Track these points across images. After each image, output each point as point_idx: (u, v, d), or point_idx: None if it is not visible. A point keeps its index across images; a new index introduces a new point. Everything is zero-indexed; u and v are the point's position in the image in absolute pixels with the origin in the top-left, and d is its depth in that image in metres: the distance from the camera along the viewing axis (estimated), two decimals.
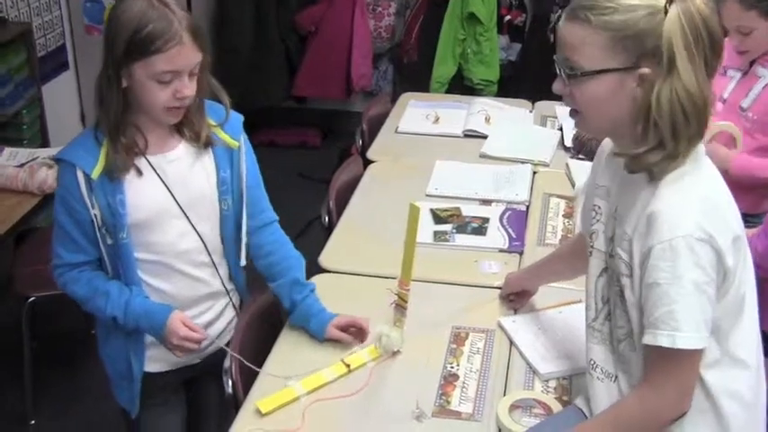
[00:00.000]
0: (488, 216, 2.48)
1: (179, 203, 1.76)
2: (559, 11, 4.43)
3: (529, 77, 4.54)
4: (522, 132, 3.11)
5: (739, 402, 1.44)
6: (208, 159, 1.81)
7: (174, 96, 1.64)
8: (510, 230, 2.40)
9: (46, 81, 3.73)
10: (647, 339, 1.36)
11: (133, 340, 1.83)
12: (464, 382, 1.80)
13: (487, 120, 3.19)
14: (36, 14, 3.75)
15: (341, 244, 2.37)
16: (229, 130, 1.83)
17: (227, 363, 1.84)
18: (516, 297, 2.05)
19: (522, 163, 2.82)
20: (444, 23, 4.52)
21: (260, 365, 1.83)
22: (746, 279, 1.42)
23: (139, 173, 1.72)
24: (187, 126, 1.77)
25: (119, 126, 1.68)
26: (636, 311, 1.41)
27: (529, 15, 4.84)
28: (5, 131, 3.39)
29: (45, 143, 3.56)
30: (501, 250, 2.32)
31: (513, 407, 1.71)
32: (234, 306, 1.95)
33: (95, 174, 1.67)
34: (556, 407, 1.71)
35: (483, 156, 2.92)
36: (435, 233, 2.39)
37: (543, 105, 3.38)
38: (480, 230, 2.40)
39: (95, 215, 1.70)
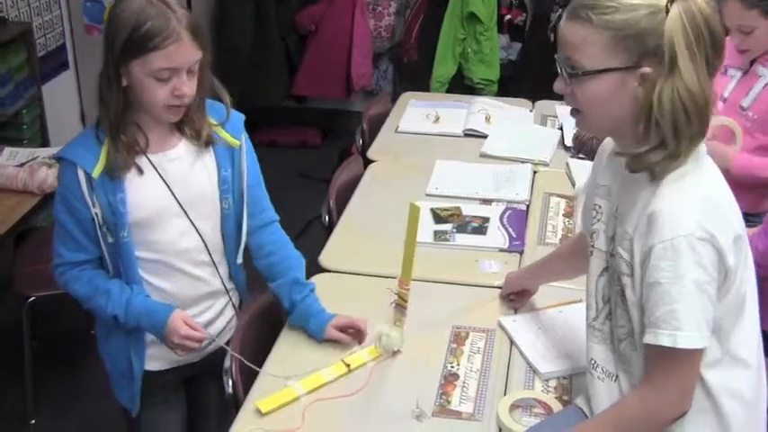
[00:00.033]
0: (489, 215, 2.48)
1: (179, 202, 1.76)
2: (560, 10, 4.43)
3: (529, 77, 4.54)
4: (523, 132, 3.11)
5: (740, 402, 1.43)
6: (209, 158, 1.81)
7: (173, 94, 1.64)
8: (510, 230, 2.40)
9: (46, 81, 3.73)
10: (648, 339, 1.35)
11: (134, 339, 1.83)
12: (464, 382, 1.80)
13: (488, 119, 3.19)
14: (36, 14, 3.75)
15: (341, 243, 2.37)
16: (230, 129, 1.83)
17: (227, 362, 1.84)
18: (516, 296, 2.05)
19: (523, 162, 2.82)
20: (444, 23, 4.52)
21: (260, 365, 1.83)
22: (747, 278, 1.42)
23: (140, 171, 1.72)
24: (188, 124, 1.77)
25: (119, 125, 1.68)
26: (637, 311, 1.41)
27: (529, 15, 4.84)
28: (5, 131, 3.39)
29: (45, 143, 3.56)
30: (501, 250, 2.31)
31: (514, 406, 1.71)
32: (233, 305, 1.95)
33: (96, 172, 1.68)
34: (556, 406, 1.71)
35: (483, 155, 2.92)
36: (435, 233, 2.39)
37: (543, 105, 3.38)
38: (480, 230, 2.40)
39: (96, 214, 1.70)
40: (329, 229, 2.50)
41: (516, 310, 2.04)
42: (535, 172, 2.79)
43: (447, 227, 2.41)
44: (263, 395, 1.74)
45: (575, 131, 2.91)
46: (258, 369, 1.81)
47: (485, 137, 3.05)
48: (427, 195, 2.62)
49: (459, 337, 1.94)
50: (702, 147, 1.39)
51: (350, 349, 1.88)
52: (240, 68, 4.66)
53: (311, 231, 3.65)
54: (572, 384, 1.79)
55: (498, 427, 1.67)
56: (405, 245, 1.80)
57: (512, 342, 1.93)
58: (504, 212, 2.50)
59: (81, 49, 4.04)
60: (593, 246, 1.54)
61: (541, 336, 1.92)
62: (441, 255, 2.30)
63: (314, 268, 2.18)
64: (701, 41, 1.31)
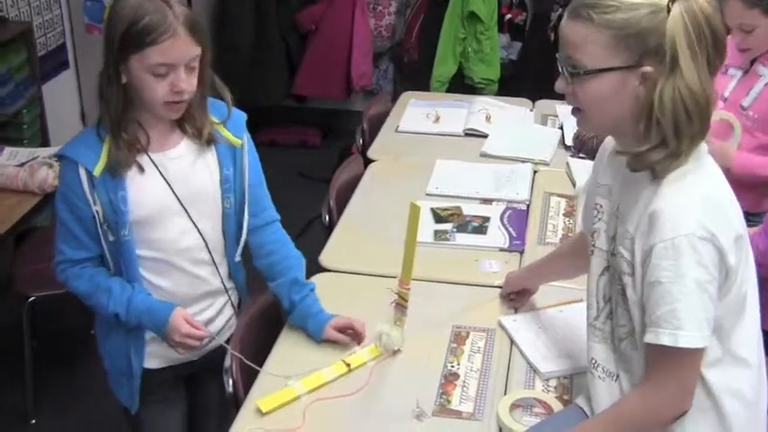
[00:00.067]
0: (489, 215, 2.48)
1: (180, 201, 1.76)
2: (560, 9, 4.43)
3: (529, 76, 4.54)
4: (523, 131, 3.11)
5: (741, 401, 1.43)
6: (211, 157, 1.81)
7: (171, 90, 1.65)
8: (510, 229, 2.40)
9: (46, 80, 3.73)
10: (649, 338, 1.35)
11: (133, 336, 1.83)
12: (465, 382, 1.80)
13: (488, 119, 3.19)
14: (36, 13, 3.75)
15: (341, 243, 2.37)
16: (232, 127, 1.83)
17: (227, 362, 1.84)
18: (517, 296, 2.05)
19: (523, 162, 2.82)
20: (445, 22, 4.52)
21: (260, 365, 1.82)
22: (748, 278, 1.42)
23: (141, 170, 1.72)
24: (189, 123, 1.77)
25: (120, 122, 1.68)
26: (638, 310, 1.41)
27: (529, 14, 4.84)
28: (6, 131, 3.39)
29: (45, 142, 3.56)
30: (501, 249, 2.31)
31: (514, 406, 1.70)
32: (232, 305, 1.95)
33: (97, 171, 1.68)
34: (557, 406, 1.71)
35: (483, 155, 2.91)
36: (436, 232, 2.39)
37: (544, 104, 3.37)
38: (481, 229, 2.40)
39: (97, 212, 1.70)
40: (329, 228, 2.50)
41: (516, 310, 2.04)
42: (535, 171, 2.78)
43: (447, 226, 2.41)
44: (263, 394, 1.74)
45: (575, 131, 2.91)
46: (258, 368, 1.81)
47: (485, 136, 3.05)
48: (427, 195, 2.62)
49: (459, 337, 1.94)
50: (704, 146, 1.39)
51: (350, 349, 1.88)
52: (240, 68, 4.66)
53: (311, 231, 3.65)
54: (572, 384, 1.79)
55: (499, 427, 1.67)
56: (405, 244, 1.80)
57: (512, 342, 1.92)
58: (504, 212, 2.50)
59: (81, 49, 4.04)
60: (593, 245, 1.54)
61: (542, 335, 1.92)
62: (441, 254, 2.29)
63: (314, 268, 2.18)
64: (703, 40, 1.31)
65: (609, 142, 1.56)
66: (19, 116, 3.43)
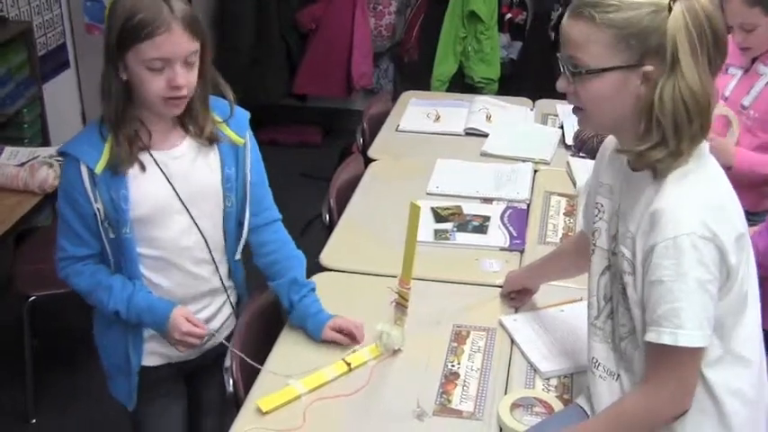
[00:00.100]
0: (489, 214, 2.48)
1: (182, 199, 1.76)
2: (560, 8, 4.43)
3: (530, 76, 4.53)
4: (523, 131, 3.11)
5: (741, 400, 1.43)
6: (213, 156, 1.81)
7: (169, 86, 1.65)
8: (511, 229, 2.40)
9: (46, 80, 3.73)
10: (650, 337, 1.35)
11: (132, 333, 1.83)
12: (465, 381, 1.80)
13: (488, 118, 3.18)
14: (36, 13, 3.75)
15: (341, 242, 2.37)
16: (235, 126, 1.83)
17: (227, 361, 1.84)
18: (517, 295, 2.05)
19: (523, 161, 2.82)
20: (445, 22, 4.52)
21: (261, 364, 1.82)
22: (749, 277, 1.42)
23: (143, 168, 1.72)
24: (191, 120, 1.77)
25: (122, 120, 1.68)
26: (638, 309, 1.41)
27: (530, 13, 4.83)
28: (6, 130, 3.39)
29: (46, 142, 3.56)
30: (502, 249, 2.31)
31: (515, 405, 1.70)
32: (231, 304, 1.95)
33: (99, 168, 1.68)
34: (557, 405, 1.70)
35: (484, 154, 2.91)
36: (436, 231, 2.38)
37: (544, 103, 3.37)
38: (481, 229, 2.40)
39: (98, 209, 1.70)
40: (330, 228, 2.50)
41: (517, 309, 2.04)
42: (536, 171, 2.78)
43: (448, 226, 2.41)
44: (263, 394, 1.74)
45: (575, 130, 2.91)
46: (259, 367, 1.81)
47: (485, 136, 3.04)
48: (428, 194, 2.62)
49: (459, 336, 1.94)
50: (705, 145, 1.39)
51: (351, 348, 1.88)
52: (241, 68, 4.66)
53: (312, 230, 3.65)
54: (573, 383, 1.79)
55: (499, 427, 1.67)
56: (405, 244, 1.80)
57: (512, 341, 1.92)
58: (504, 211, 2.50)
59: (81, 49, 4.04)
60: (594, 244, 1.54)
61: (542, 335, 1.92)
62: (441, 254, 2.29)
63: (314, 267, 2.18)
64: (704, 40, 1.30)
65: (610, 141, 1.56)
66: (19, 116, 3.44)
